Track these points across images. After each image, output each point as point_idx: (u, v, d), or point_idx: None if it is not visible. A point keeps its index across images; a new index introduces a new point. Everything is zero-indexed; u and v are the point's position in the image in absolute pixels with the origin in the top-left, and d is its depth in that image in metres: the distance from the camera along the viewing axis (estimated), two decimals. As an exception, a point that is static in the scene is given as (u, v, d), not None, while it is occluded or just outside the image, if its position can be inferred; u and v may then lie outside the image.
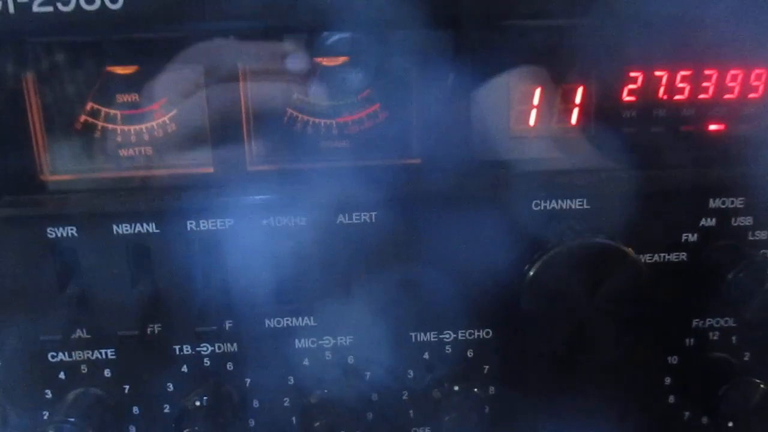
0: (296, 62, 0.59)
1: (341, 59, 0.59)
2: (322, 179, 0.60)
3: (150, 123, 0.60)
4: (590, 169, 0.62)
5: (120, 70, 0.58)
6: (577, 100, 0.62)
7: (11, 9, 0.53)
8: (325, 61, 0.59)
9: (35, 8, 0.53)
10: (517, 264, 0.59)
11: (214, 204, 0.59)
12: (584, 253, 0.57)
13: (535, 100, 0.62)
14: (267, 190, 0.60)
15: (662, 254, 0.63)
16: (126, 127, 0.60)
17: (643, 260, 0.61)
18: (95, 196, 0.59)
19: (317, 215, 0.60)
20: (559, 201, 0.61)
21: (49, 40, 0.56)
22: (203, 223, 0.59)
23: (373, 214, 0.60)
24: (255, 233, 0.60)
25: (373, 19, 0.55)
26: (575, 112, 0.62)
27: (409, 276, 0.62)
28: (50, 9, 0.53)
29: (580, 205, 0.61)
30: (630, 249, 0.57)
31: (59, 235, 0.59)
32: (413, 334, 0.64)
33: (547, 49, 0.60)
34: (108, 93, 0.59)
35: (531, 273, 0.57)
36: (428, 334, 0.64)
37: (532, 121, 0.62)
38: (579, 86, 0.61)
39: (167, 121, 0.60)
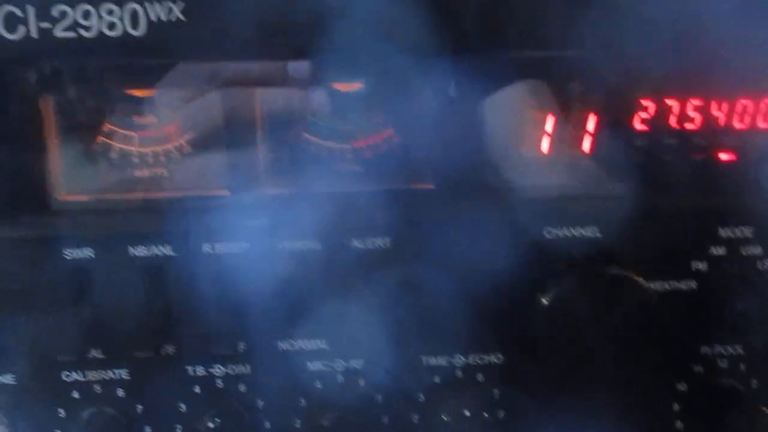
0: (312, 87, 0.60)
1: (356, 85, 0.60)
2: (338, 203, 0.61)
3: (166, 145, 0.61)
4: (602, 197, 0.62)
5: (137, 92, 0.59)
6: (590, 127, 0.62)
7: (34, 33, 0.53)
8: (340, 87, 0.60)
9: (58, 33, 0.53)
10: (529, 291, 0.60)
11: (229, 226, 0.60)
12: (596, 281, 0.57)
13: (548, 127, 0.62)
14: (282, 213, 0.60)
15: (672, 282, 0.64)
16: (142, 149, 0.61)
17: (653, 288, 0.61)
18: (111, 217, 0.60)
19: (332, 239, 0.60)
20: (571, 228, 0.62)
21: (69, 64, 0.57)
22: (218, 245, 0.60)
23: (388, 239, 0.61)
24: (270, 256, 0.60)
25: (387, 46, 0.55)
26: (587, 139, 0.63)
27: (421, 300, 0.62)
28: (73, 35, 0.53)
29: (592, 233, 0.62)
30: (641, 279, 0.58)
31: (75, 256, 0.59)
32: (424, 358, 0.64)
33: (560, 77, 0.60)
34: (125, 115, 0.60)
35: (543, 301, 0.57)
36: (438, 358, 0.64)
37: (545, 148, 0.63)
38: (591, 114, 0.62)
39: (183, 144, 0.61)
